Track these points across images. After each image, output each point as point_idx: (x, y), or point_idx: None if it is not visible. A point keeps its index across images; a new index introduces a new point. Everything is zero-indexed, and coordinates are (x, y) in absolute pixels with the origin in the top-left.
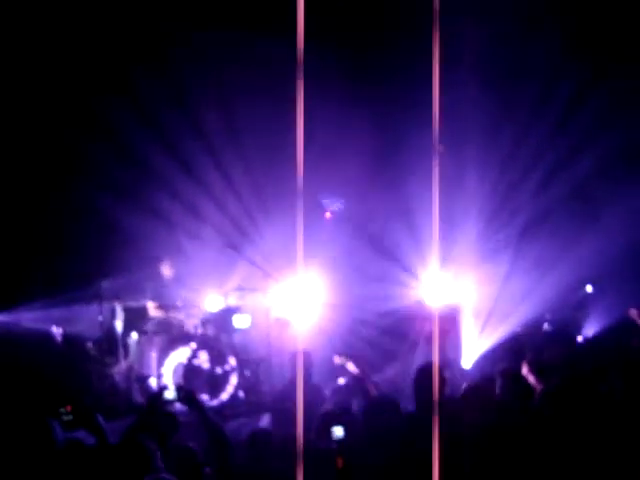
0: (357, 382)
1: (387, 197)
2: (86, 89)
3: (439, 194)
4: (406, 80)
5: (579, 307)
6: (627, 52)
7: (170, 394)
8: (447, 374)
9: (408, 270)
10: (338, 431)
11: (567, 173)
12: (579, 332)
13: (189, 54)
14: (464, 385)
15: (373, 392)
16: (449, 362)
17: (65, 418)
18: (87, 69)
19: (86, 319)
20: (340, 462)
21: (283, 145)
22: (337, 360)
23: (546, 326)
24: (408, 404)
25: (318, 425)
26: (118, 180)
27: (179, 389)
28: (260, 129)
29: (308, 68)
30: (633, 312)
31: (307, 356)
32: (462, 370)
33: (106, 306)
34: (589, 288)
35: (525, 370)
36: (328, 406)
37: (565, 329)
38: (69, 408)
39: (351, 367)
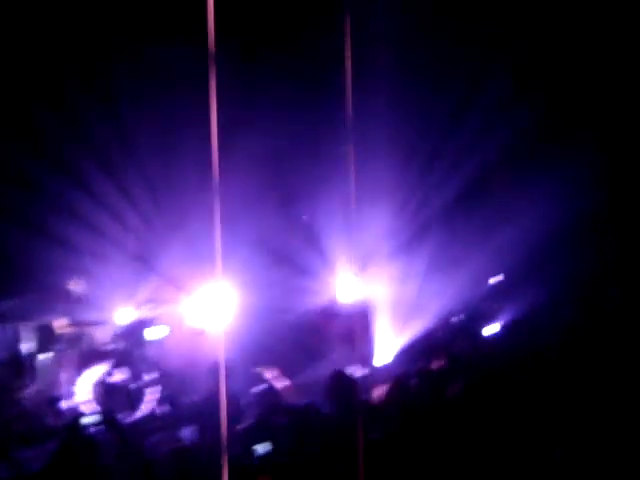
0: (274, 390)
1: (299, 194)
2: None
3: (349, 193)
4: (311, 82)
5: (488, 299)
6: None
7: (89, 418)
8: (363, 373)
9: (320, 270)
10: (261, 448)
11: (475, 165)
12: (489, 322)
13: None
14: (379, 385)
15: (292, 399)
16: (362, 360)
17: None
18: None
19: None
20: (265, 478)
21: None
22: (255, 370)
23: (454, 319)
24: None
25: (242, 440)
26: (21, 204)
27: (98, 413)
28: (165, 139)
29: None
30: None
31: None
32: (374, 368)
33: (8, 327)
34: (497, 279)
35: (435, 366)
36: (248, 416)
37: (471, 321)
38: None
39: (269, 376)
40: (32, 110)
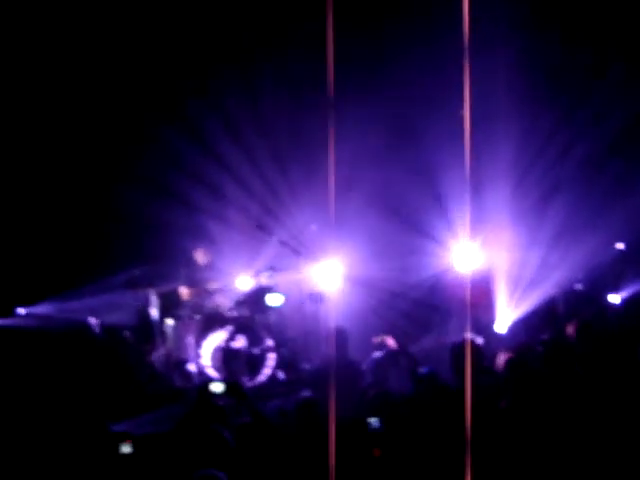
0: (393, 355)
1: (413, 167)
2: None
3: (470, 159)
4: (430, 46)
5: (611, 265)
6: None
7: (218, 387)
8: (481, 341)
9: (438, 239)
10: (374, 422)
11: (596, 132)
12: (613, 290)
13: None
14: (501, 355)
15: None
16: (483, 328)
17: (124, 450)
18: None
19: (121, 307)
20: (377, 452)
21: (310, 123)
22: (376, 340)
23: (578, 286)
24: (445, 375)
25: (366, 402)
26: (150, 171)
27: (227, 383)
28: (287, 109)
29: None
30: None
31: (342, 332)
32: (497, 336)
33: (140, 293)
34: (620, 246)
35: (571, 330)
36: (368, 380)
37: (595, 289)
38: (129, 441)
39: (391, 343)
40: (173, 85)
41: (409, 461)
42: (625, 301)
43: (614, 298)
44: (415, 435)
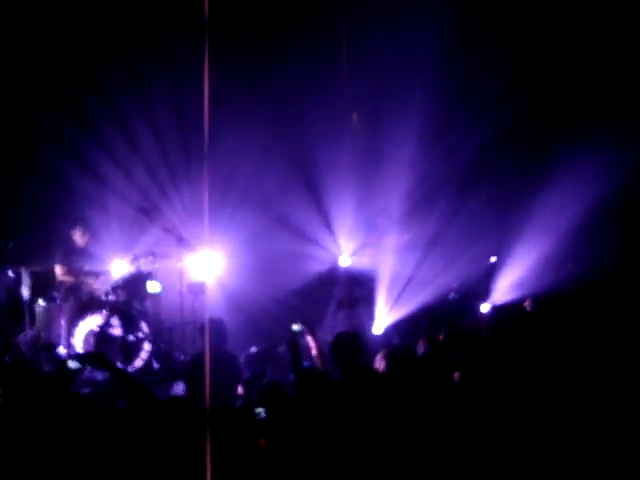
0: (270, 350)
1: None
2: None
3: (356, 162)
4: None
5: (484, 277)
6: None
7: (73, 363)
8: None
9: (325, 235)
10: (261, 412)
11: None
12: (484, 300)
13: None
14: (381, 353)
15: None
16: (360, 328)
17: None
18: None
19: None
20: (263, 441)
21: (194, 111)
22: (295, 327)
23: (452, 295)
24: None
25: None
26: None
27: (81, 356)
28: (170, 96)
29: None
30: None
31: (220, 323)
32: (372, 337)
33: (11, 270)
34: (493, 259)
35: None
36: (245, 374)
37: (469, 298)
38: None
39: (307, 333)
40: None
41: (294, 450)
42: (494, 310)
43: (485, 307)
44: (299, 425)
